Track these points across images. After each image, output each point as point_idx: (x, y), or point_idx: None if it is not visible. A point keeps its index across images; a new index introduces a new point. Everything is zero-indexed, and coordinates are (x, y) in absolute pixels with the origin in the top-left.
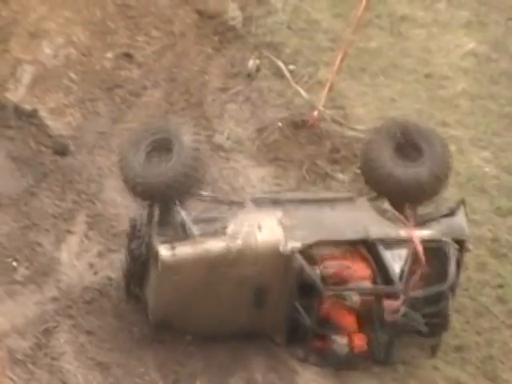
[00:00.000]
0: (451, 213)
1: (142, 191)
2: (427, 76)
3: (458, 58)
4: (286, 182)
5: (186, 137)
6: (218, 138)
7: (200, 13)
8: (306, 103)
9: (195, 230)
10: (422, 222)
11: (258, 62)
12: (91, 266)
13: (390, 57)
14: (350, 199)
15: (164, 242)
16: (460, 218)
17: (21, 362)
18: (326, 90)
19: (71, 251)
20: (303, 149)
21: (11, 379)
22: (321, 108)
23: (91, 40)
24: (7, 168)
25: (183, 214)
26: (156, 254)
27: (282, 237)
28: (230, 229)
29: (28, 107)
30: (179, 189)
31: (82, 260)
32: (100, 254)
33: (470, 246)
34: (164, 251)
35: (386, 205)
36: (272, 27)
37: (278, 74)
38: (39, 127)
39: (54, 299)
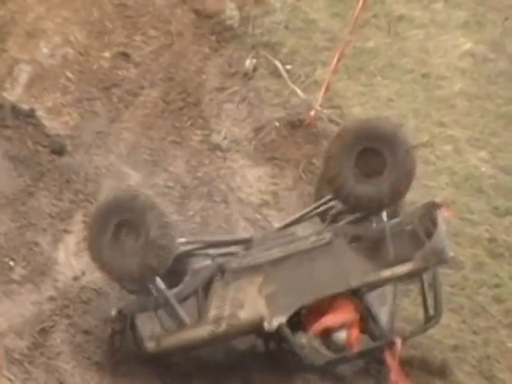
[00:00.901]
0: (429, 232)
1: (109, 273)
2: (424, 76)
3: (455, 58)
4: (283, 181)
5: (154, 216)
6: (215, 138)
7: (197, 12)
8: (302, 103)
9: (181, 312)
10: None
11: (255, 61)
12: (88, 265)
13: (388, 57)
14: (327, 245)
15: (148, 333)
16: (439, 237)
17: (18, 362)
18: (323, 89)
19: (68, 251)
20: (300, 148)
21: (8, 379)
22: (318, 108)
23: (88, 39)
24: (4, 168)
25: (165, 293)
26: (140, 341)
27: (265, 312)
28: (212, 314)
29: (25, 107)
30: (151, 269)
31: (80, 259)
32: None
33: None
34: (148, 343)
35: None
36: (269, 27)
37: (275, 74)
38: (36, 127)
39: (51, 299)
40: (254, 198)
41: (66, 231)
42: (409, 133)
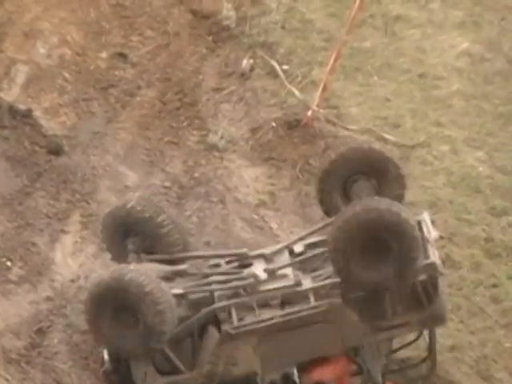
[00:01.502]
0: (429, 296)
1: (112, 349)
2: (421, 76)
3: (452, 57)
4: (280, 181)
5: (148, 305)
6: (212, 138)
7: (194, 13)
8: (299, 103)
9: (176, 361)
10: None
11: (251, 61)
12: (86, 265)
13: (384, 56)
14: (324, 312)
15: (141, 376)
16: (440, 304)
17: (15, 362)
18: (320, 89)
19: (65, 251)
20: (297, 148)
21: (5, 379)
22: (314, 108)
23: (85, 40)
24: (1, 168)
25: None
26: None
27: (258, 369)
28: (206, 369)
29: (22, 107)
30: (152, 348)
31: (77, 260)
32: (94, 254)
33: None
34: None
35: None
36: (266, 27)
37: (272, 74)
38: (33, 127)
39: (49, 299)
40: (251, 198)
41: (63, 231)
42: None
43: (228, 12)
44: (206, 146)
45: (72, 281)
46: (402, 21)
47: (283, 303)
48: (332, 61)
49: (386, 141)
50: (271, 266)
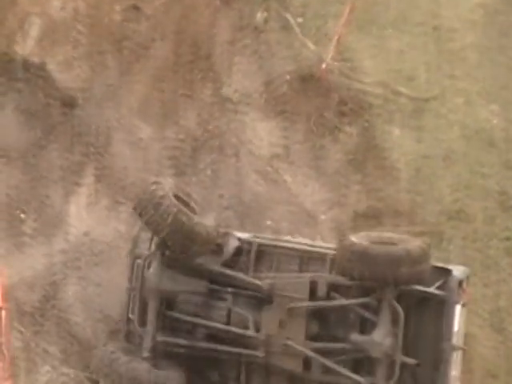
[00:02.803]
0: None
1: None
2: (436, 28)
3: (466, 10)
4: (294, 134)
5: None
6: (226, 91)
7: None
8: (313, 56)
9: None
10: None
11: (266, 14)
12: (100, 218)
13: (399, 9)
14: None
15: None
16: None
17: (29, 315)
18: (334, 42)
19: (79, 204)
20: (311, 101)
21: (19, 331)
22: (329, 61)
23: None
24: (15, 121)
25: None
26: None
27: None
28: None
29: (36, 60)
30: None
31: (91, 212)
32: (108, 207)
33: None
34: None
35: None
36: None
37: (286, 27)
38: (47, 80)
39: (63, 251)
40: (264, 151)
41: (77, 184)
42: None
43: None
44: (220, 99)
45: (86, 234)
46: None
47: None
48: (346, 14)
49: (399, 94)
50: None
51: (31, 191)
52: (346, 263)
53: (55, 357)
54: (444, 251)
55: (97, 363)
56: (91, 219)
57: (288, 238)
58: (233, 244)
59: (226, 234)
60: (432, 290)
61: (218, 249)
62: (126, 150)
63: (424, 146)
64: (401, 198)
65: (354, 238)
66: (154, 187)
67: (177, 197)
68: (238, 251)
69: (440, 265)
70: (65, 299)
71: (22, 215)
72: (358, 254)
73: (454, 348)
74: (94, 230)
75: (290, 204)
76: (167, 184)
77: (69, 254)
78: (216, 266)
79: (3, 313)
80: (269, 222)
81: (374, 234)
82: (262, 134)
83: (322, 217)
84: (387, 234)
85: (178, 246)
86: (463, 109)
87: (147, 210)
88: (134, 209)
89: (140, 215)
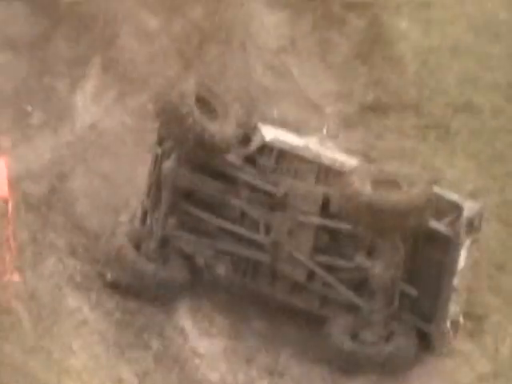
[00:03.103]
0: None
1: None
2: None
3: None
4: (301, 27)
5: None
6: None
7: None
8: None
9: None
10: None
11: None
12: (107, 110)
13: None
14: None
15: None
16: None
17: (35, 206)
18: None
19: (86, 96)
20: None
21: (26, 223)
22: None
23: None
24: (22, 12)
25: None
26: None
27: None
28: None
29: None
30: None
31: (97, 104)
32: (116, 99)
33: None
34: None
35: None
36: None
37: None
38: None
39: (69, 143)
40: (271, 43)
41: (83, 76)
42: None
43: None
44: None
45: (93, 125)
46: None
47: None
48: None
49: None
50: None
51: (38, 83)
52: (350, 212)
53: (62, 249)
54: (450, 144)
55: (105, 256)
56: (98, 111)
57: (311, 141)
58: (257, 140)
59: (254, 127)
60: (440, 226)
61: (244, 139)
62: (134, 43)
63: (431, 38)
64: (407, 91)
65: (357, 184)
66: (177, 100)
67: (199, 98)
68: (260, 149)
69: (453, 199)
70: (71, 191)
71: (29, 107)
72: (363, 206)
73: (455, 289)
74: (100, 122)
75: (297, 96)
76: (190, 87)
77: (75, 146)
78: (237, 161)
79: (10, 205)
80: (276, 115)
81: (376, 170)
82: (269, 26)
83: (329, 109)
84: (390, 169)
85: (197, 157)
86: (470, 0)
87: (169, 124)
88: (156, 116)
89: (161, 125)
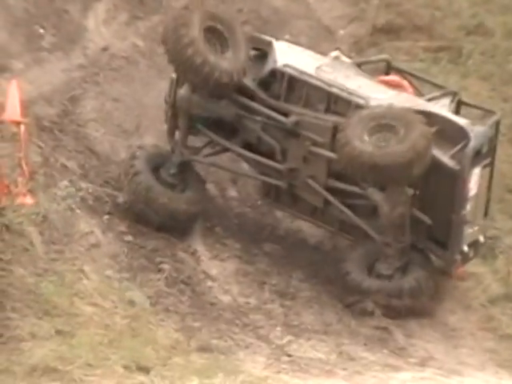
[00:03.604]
0: None
1: None
2: None
3: None
4: None
5: None
6: None
7: None
8: None
9: None
10: None
11: None
12: (118, 33)
13: None
14: None
15: None
16: None
17: (48, 129)
18: None
19: (98, 18)
20: None
21: (38, 146)
22: None
23: None
24: None
25: None
26: None
27: None
28: None
29: None
30: None
31: (110, 27)
32: (127, 22)
33: None
34: None
35: None
36: None
37: None
38: None
39: (81, 66)
40: None
41: None
42: None
43: None
44: None
45: (104, 48)
46: None
47: None
48: None
49: None
50: None
51: (50, 6)
52: (353, 170)
53: (74, 171)
54: (462, 66)
55: (119, 180)
56: (110, 34)
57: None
58: (270, 63)
59: (269, 44)
60: (446, 160)
61: (261, 54)
62: None
63: None
64: (420, 13)
65: (357, 142)
66: (181, 29)
67: (209, 29)
68: (272, 73)
69: (460, 123)
70: (83, 114)
71: (41, 30)
72: (366, 166)
73: (464, 221)
74: (112, 44)
75: (309, 19)
76: (196, 16)
77: (87, 69)
78: (251, 84)
79: (22, 128)
80: (287, 37)
81: (370, 117)
82: None
83: (341, 31)
84: (383, 113)
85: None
86: None
87: (171, 54)
88: (162, 43)
89: (175, 70)
